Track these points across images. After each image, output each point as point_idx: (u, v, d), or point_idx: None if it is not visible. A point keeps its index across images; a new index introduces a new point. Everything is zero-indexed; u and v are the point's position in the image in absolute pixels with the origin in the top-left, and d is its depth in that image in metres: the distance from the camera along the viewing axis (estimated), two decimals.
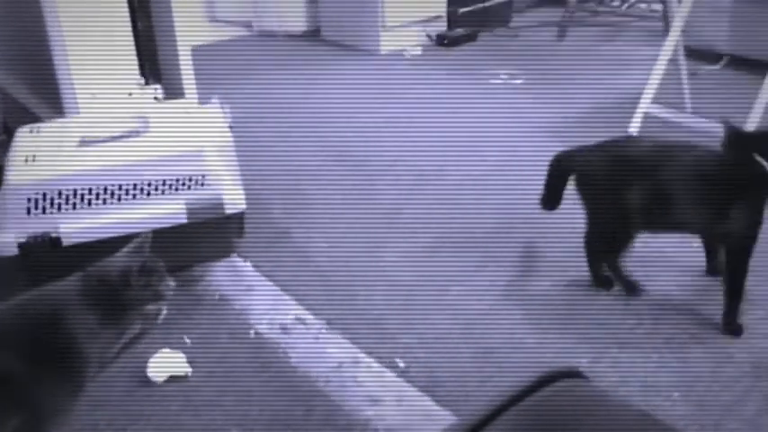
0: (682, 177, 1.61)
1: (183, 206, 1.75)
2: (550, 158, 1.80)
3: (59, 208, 1.69)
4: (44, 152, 1.78)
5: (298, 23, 3.75)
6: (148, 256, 1.51)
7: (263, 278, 1.82)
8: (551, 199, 1.83)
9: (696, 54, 2.93)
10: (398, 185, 2.27)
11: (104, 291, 1.46)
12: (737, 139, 1.64)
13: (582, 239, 1.77)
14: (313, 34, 3.71)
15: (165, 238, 1.71)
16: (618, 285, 1.77)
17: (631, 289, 1.76)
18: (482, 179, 2.30)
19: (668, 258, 1.89)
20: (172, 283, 1.50)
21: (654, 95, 2.51)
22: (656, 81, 2.51)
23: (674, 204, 1.61)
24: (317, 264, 1.89)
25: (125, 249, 1.52)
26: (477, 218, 2.09)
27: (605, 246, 1.76)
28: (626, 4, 3.94)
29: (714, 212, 1.58)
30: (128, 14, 2.17)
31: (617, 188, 1.66)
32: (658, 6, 3.57)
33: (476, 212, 2.11)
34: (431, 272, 1.85)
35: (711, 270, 1.81)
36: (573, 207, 2.11)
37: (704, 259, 1.82)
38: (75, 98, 2.12)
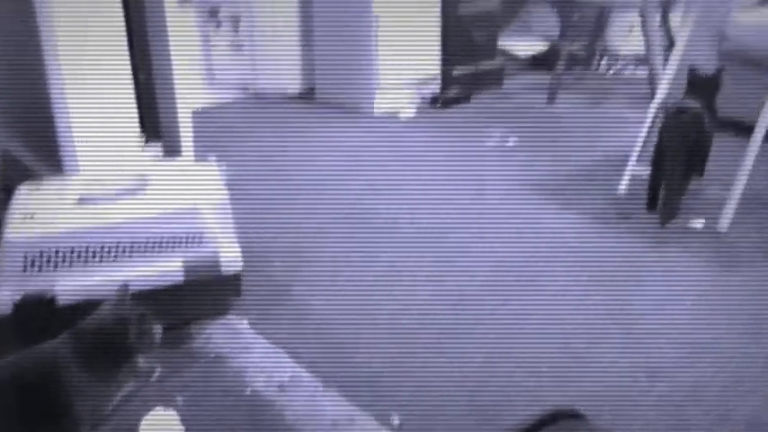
0: None
1: (180, 265, 1.76)
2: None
3: (56, 266, 1.69)
4: (42, 209, 1.79)
5: (293, 85, 3.83)
6: (131, 306, 1.51)
7: (259, 336, 1.82)
8: None
9: None
10: (394, 246, 2.29)
11: (98, 345, 1.47)
12: (693, 80, 2.37)
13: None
14: (308, 95, 3.79)
15: (161, 297, 1.73)
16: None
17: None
18: (477, 238, 2.32)
19: (660, 321, 1.91)
20: (160, 329, 1.50)
21: (640, 156, 2.56)
22: (642, 143, 2.57)
23: None
24: (315, 322, 1.90)
25: (107, 303, 1.52)
26: (473, 276, 2.10)
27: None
28: (611, 70, 4.05)
29: None
30: (130, 74, 2.22)
31: None
32: (644, 71, 3.67)
33: (471, 270, 2.13)
34: (427, 329, 1.86)
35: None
36: (567, 264, 2.15)
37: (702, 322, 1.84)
38: (76, 157, 2.15)
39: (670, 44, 3.36)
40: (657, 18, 3.34)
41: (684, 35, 2.61)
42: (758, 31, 2.89)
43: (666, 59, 2.75)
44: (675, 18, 3.43)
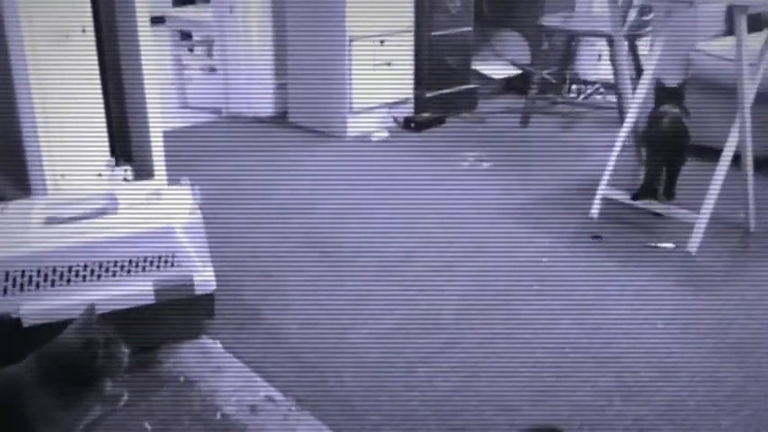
0: None
1: (151, 286, 1.73)
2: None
3: (22, 288, 1.66)
4: (8, 231, 1.76)
5: (266, 108, 3.82)
6: (98, 328, 1.48)
7: (232, 358, 1.79)
8: None
9: None
10: (367, 269, 2.27)
11: (64, 369, 1.43)
12: (660, 91, 2.54)
13: None
14: (281, 118, 3.78)
15: (131, 319, 1.69)
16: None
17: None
18: (450, 262, 2.32)
19: (633, 342, 1.92)
20: (127, 351, 1.47)
21: (611, 180, 2.60)
22: (613, 166, 2.60)
23: None
24: (288, 343, 1.88)
25: (73, 325, 1.49)
26: (445, 300, 2.10)
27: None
28: (582, 96, 4.11)
29: None
30: (101, 96, 2.20)
31: None
32: (613, 97, 3.74)
33: (443, 294, 2.13)
34: (399, 352, 1.85)
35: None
36: (540, 286, 2.15)
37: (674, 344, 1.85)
38: (44, 179, 2.12)
39: (638, 71, 3.42)
40: (625, 46, 3.40)
41: (652, 63, 2.65)
42: (722, 59, 2.97)
43: (634, 87, 2.80)
44: (643, 46, 3.49)
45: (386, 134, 3.56)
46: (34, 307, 1.65)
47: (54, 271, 1.67)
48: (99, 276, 1.71)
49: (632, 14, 3.39)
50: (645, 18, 3.41)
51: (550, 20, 3.71)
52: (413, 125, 3.62)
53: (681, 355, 1.84)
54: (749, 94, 2.38)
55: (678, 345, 1.88)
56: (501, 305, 2.07)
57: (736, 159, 2.43)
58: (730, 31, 2.90)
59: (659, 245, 2.40)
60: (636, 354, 1.84)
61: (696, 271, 2.27)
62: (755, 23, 2.54)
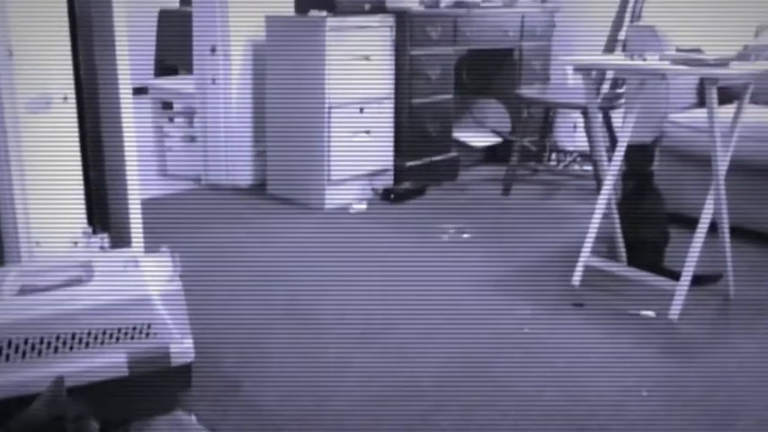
0: None
1: (124, 358, 1.68)
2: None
3: None
4: None
5: (244, 178, 3.83)
6: (67, 402, 1.44)
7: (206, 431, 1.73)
8: None
9: None
10: (347, 338, 2.24)
11: None
12: (631, 149, 2.67)
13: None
14: (259, 188, 3.79)
15: (103, 392, 1.64)
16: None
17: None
18: (431, 331, 2.29)
19: (616, 413, 1.89)
20: (97, 426, 1.42)
21: (592, 248, 2.61)
22: (593, 235, 2.62)
23: None
24: (267, 414, 1.82)
25: (42, 398, 1.44)
26: (426, 368, 2.06)
27: None
28: (561, 164, 4.19)
29: None
30: (80, 164, 2.19)
31: None
32: (590, 166, 3.80)
33: (425, 363, 2.09)
34: (381, 420, 1.80)
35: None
36: (521, 356, 2.13)
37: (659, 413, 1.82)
38: (19, 246, 2.08)
39: (612, 142, 3.49)
40: (600, 117, 3.48)
41: (626, 134, 2.71)
42: (695, 130, 3.04)
43: (610, 157, 2.84)
44: (617, 117, 3.58)
45: (364, 206, 3.54)
46: (4, 379, 1.59)
47: (26, 342, 1.63)
48: (71, 348, 1.66)
49: (605, 87, 3.49)
50: (618, 90, 3.51)
51: (527, 91, 3.80)
52: (392, 196, 3.59)
53: (666, 425, 1.81)
54: (723, 163, 2.42)
55: (663, 414, 1.86)
56: (483, 374, 2.03)
57: (713, 227, 2.46)
58: (701, 102, 2.98)
59: (641, 312, 2.40)
60: (621, 424, 1.81)
61: (678, 338, 2.26)
62: (726, 96, 2.61)
